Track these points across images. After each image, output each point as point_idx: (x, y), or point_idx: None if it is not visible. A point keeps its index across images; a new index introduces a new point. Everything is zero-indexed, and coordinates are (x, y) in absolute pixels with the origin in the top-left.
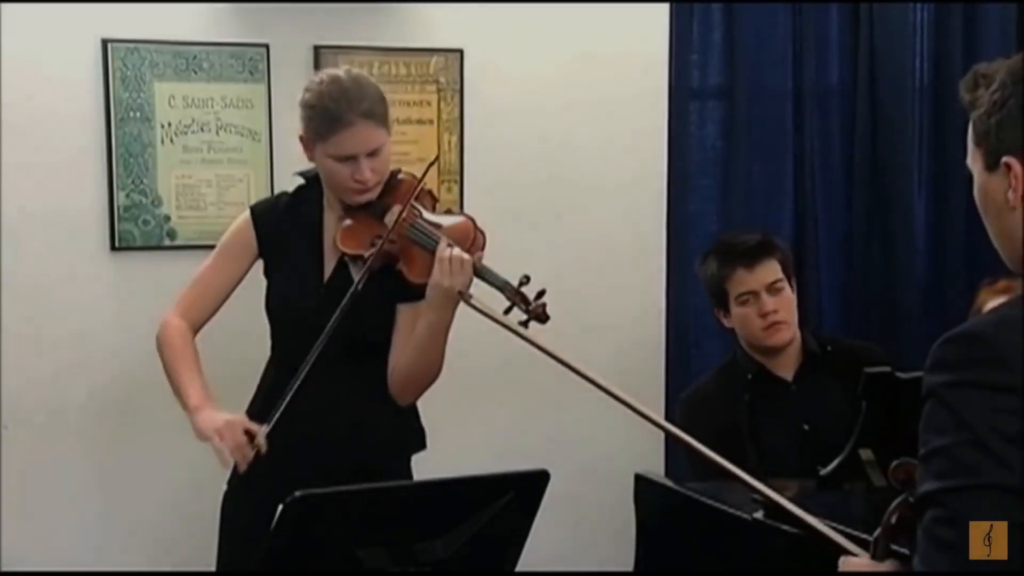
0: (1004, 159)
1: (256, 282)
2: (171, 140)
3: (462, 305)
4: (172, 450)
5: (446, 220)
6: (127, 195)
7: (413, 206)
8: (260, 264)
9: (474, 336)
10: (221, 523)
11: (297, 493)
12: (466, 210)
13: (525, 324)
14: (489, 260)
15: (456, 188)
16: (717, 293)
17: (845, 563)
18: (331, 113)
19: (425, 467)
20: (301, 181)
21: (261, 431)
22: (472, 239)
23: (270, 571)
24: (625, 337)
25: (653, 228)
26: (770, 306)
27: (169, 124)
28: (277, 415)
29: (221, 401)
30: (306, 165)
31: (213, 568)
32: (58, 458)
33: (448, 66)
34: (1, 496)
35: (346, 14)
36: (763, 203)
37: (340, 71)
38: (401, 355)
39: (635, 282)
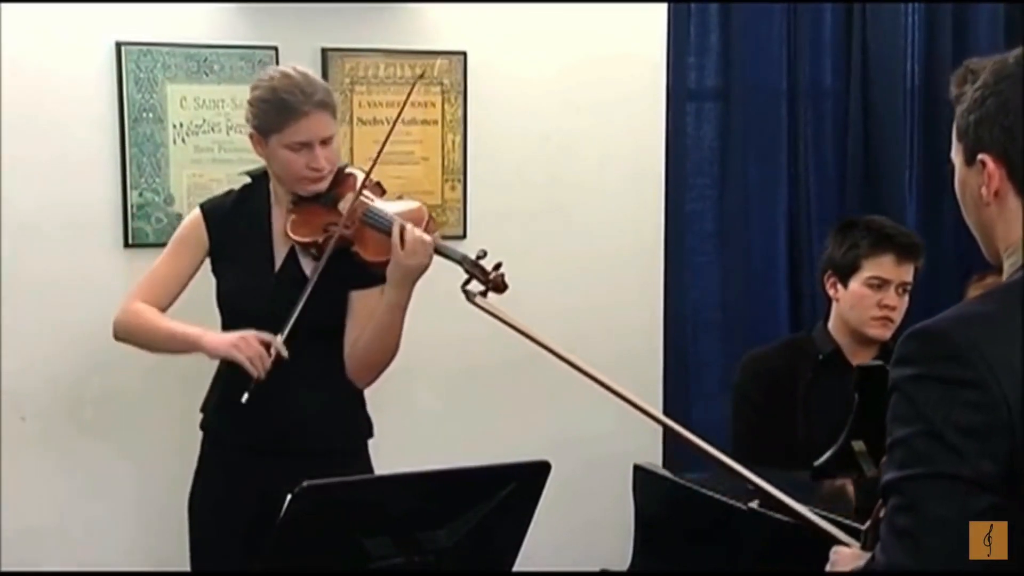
0: (980, 156)
1: (204, 282)
2: (183, 140)
3: (461, 304)
4: (185, 447)
5: (398, 206)
6: (140, 194)
7: (364, 194)
8: (208, 264)
9: (476, 333)
10: (191, 519)
11: (304, 484)
12: (469, 208)
13: (484, 294)
14: (490, 257)
15: (459, 187)
16: (847, 264)
17: (836, 553)
18: (288, 104)
19: (429, 460)
20: (248, 180)
21: (277, 339)
22: (427, 220)
23: (277, 561)
24: (623, 334)
25: (651, 226)
26: (893, 302)
27: (181, 124)
28: (290, 324)
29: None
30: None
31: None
32: (72, 453)
33: (452, 68)
34: (2, 493)
35: (353, 17)
36: (759, 202)
37: (287, 68)
38: (359, 339)
39: (634, 279)
